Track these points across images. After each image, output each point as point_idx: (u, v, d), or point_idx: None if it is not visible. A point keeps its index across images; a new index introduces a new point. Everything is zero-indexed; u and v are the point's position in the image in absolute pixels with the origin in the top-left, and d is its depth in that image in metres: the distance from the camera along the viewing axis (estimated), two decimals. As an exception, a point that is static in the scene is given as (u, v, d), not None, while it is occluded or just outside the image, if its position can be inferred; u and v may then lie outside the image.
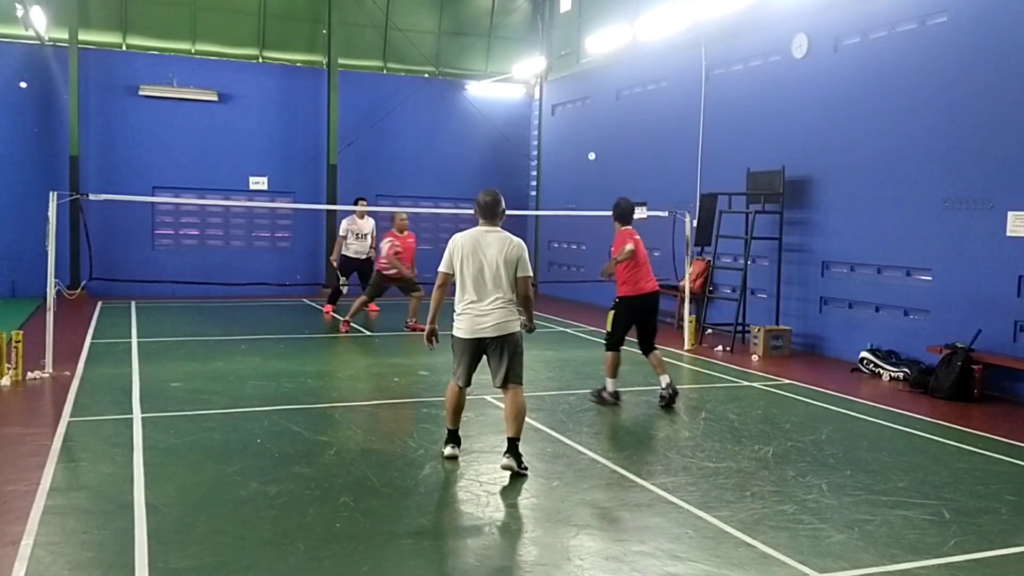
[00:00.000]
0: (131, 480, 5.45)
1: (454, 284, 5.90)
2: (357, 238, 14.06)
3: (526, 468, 5.79)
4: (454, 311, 5.91)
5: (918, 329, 10.17)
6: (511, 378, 5.81)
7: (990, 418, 8.11)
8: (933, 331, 9.86)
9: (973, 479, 5.99)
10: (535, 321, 6.36)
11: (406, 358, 10.42)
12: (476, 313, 5.76)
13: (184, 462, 5.92)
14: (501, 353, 5.78)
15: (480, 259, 5.77)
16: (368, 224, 14.25)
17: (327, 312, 14.32)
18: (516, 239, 5.88)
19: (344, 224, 14.19)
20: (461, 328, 5.83)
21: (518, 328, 5.87)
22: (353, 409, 7.90)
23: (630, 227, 8.16)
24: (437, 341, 5.99)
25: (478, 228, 5.91)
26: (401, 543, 4.52)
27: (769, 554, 4.50)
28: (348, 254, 14.05)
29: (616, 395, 8.09)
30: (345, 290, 14.53)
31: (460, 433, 6.19)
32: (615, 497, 5.40)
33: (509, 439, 5.81)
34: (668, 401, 7.98)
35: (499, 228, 5.93)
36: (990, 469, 6.30)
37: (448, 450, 6.10)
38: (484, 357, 5.90)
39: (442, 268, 5.92)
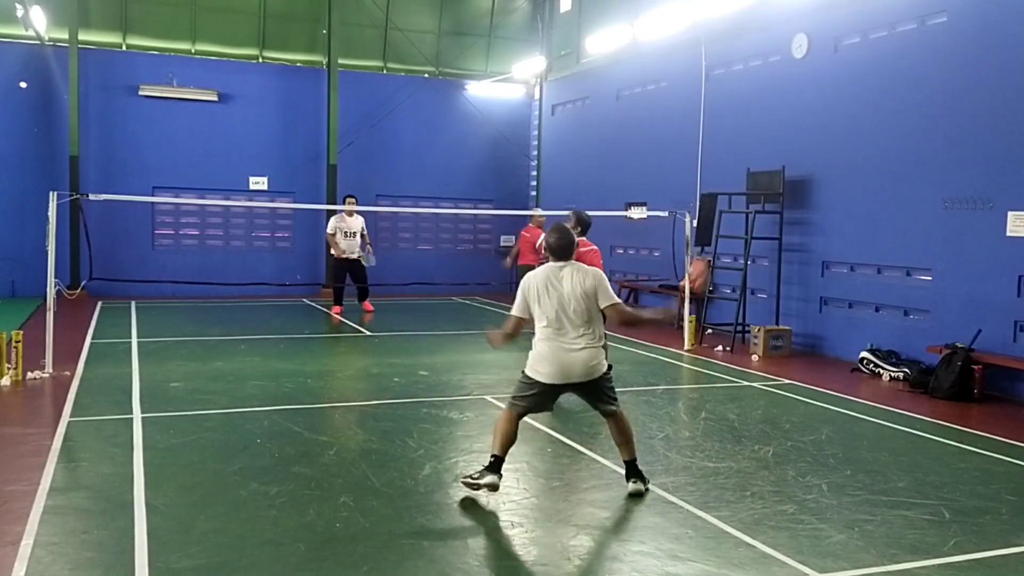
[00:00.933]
0: (131, 480, 5.45)
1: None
2: (346, 236, 13.99)
3: (648, 484, 5.48)
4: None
5: (918, 329, 10.17)
6: (607, 404, 5.46)
7: (990, 418, 8.11)
8: (933, 331, 9.86)
9: (973, 479, 5.99)
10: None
11: (406, 358, 10.42)
12: (563, 349, 5.23)
13: (184, 462, 5.92)
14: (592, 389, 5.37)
15: (557, 295, 5.26)
16: (357, 222, 14.18)
17: (336, 313, 14.31)
18: (589, 268, 5.42)
19: (332, 222, 14.12)
20: (541, 371, 5.28)
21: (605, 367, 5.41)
22: (353, 409, 7.90)
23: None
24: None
25: (550, 265, 5.42)
26: (401, 543, 4.52)
27: (769, 554, 4.50)
28: (335, 253, 14.07)
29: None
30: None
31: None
32: (615, 497, 5.40)
33: (627, 462, 5.50)
34: None
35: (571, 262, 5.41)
36: (990, 469, 6.30)
37: (487, 479, 5.30)
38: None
39: (515, 312, 5.40)
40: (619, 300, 5.35)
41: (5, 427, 6.84)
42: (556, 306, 5.23)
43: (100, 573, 4.07)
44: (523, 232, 13.46)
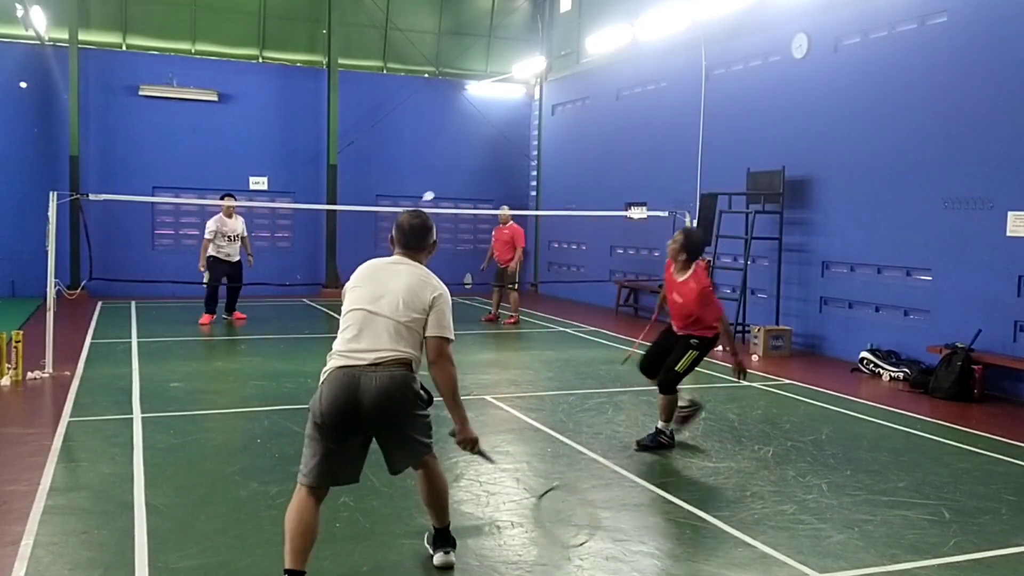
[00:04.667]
0: (131, 480, 5.45)
1: None
2: (228, 240, 12.78)
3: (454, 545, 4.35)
4: None
5: (918, 329, 10.17)
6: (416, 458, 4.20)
7: (990, 418, 8.11)
8: (933, 331, 9.86)
9: (973, 479, 5.99)
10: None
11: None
12: None
13: (184, 462, 5.92)
14: None
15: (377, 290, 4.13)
16: (239, 224, 13.02)
17: (205, 323, 12.73)
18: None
19: (210, 224, 12.75)
20: None
21: None
22: (353, 409, 7.90)
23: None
24: None
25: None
26: (401, 543, 4.52)
27: (769, 554, 4.50)
28: (219, 256, 12.70)
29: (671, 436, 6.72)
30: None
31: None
32: (615, 497, 5.40)
33: (437, 529, 4.33)
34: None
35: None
36: (990, 469, 6.30)
37: None
38: None
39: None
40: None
41: (5, 427, 6.84)
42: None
43: (100, 573, 4.07)
44: (494, 232, 14.17)
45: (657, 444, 6.53)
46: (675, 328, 6.69)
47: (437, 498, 4.20)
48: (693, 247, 6.56)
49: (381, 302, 3.97)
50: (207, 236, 12.76)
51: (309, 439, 3.89)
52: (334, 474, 3.89)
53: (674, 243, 6.61)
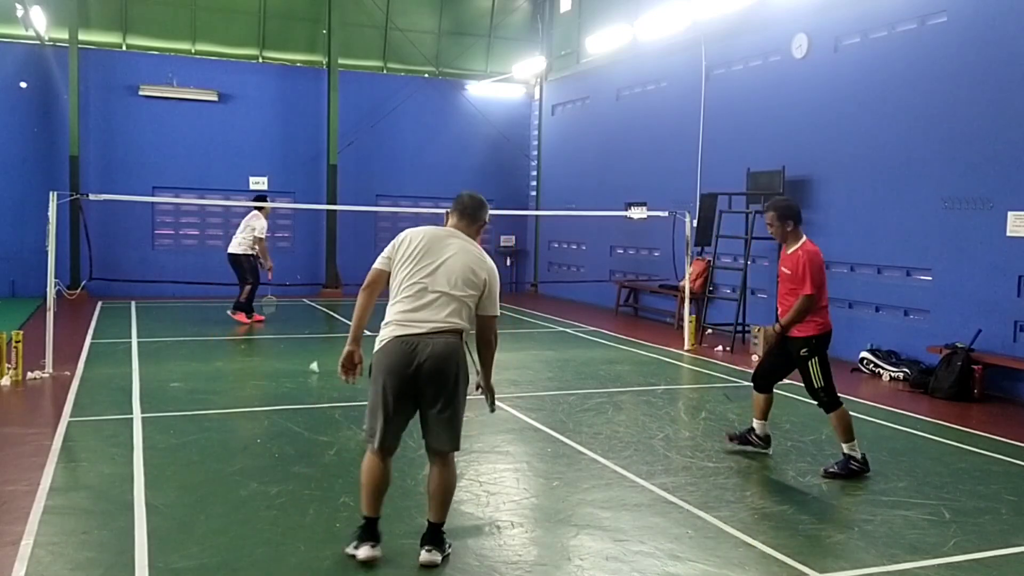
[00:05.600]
0: (131, 480, 5.45)
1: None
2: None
3: (451, 547, 4.43)
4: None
5: (918, 329, 10.17)
6: (446, 443, 4.37)
7: (990, 418, 8.11)
8: (933, 331, 9.86)
9: (973, 479, 5.99)
10: None
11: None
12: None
13: (184, 462, 5.92)
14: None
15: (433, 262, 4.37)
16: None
17: (260, 321, 13.22)
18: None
19: (264, 224, 13.17)
20: None
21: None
22: (353, 409, 7.89)
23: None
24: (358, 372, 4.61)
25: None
26: (401, 543, 4.51)
27: (769, 554, 4.50)
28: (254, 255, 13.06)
29: (767, 438, 6.49)
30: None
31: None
32: (615, 497, 5.40)
33: (430, 523, 4.38)
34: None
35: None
36: (990, 469, 6.30)
37: (363, 552, 4.29)
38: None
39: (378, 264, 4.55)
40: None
41: (5, 427, 6.84)
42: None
43: (100, 573, 4.07)
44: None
45: (848, 471, 5.88)
46: (779, 316, 6.15)
47: (444, 492, 4.32)
48: (792, 212, 6.04)
49: (438, 275, 4.23)
50: (263, 235, 13.06)
51: (372, 407, 4.22)
52: (395, 437, 4.27)
53: (769, 222, 6.13)
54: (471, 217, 4.47)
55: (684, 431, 7.24)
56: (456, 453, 4.36)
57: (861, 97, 11.00)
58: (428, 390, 4.16)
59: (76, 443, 6.38)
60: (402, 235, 4.41)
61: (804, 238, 6.10)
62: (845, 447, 5.94)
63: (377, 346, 4.21)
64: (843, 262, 11.34)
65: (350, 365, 4.37)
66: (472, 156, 19.67)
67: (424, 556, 4.26)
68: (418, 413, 4.28)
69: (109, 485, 5.37)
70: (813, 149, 11.71)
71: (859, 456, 5.94)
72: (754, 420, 6.44)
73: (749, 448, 6.44)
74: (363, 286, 4.42)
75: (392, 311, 4.25)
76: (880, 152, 10.71)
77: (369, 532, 4.30)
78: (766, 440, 6.44)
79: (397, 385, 4.14)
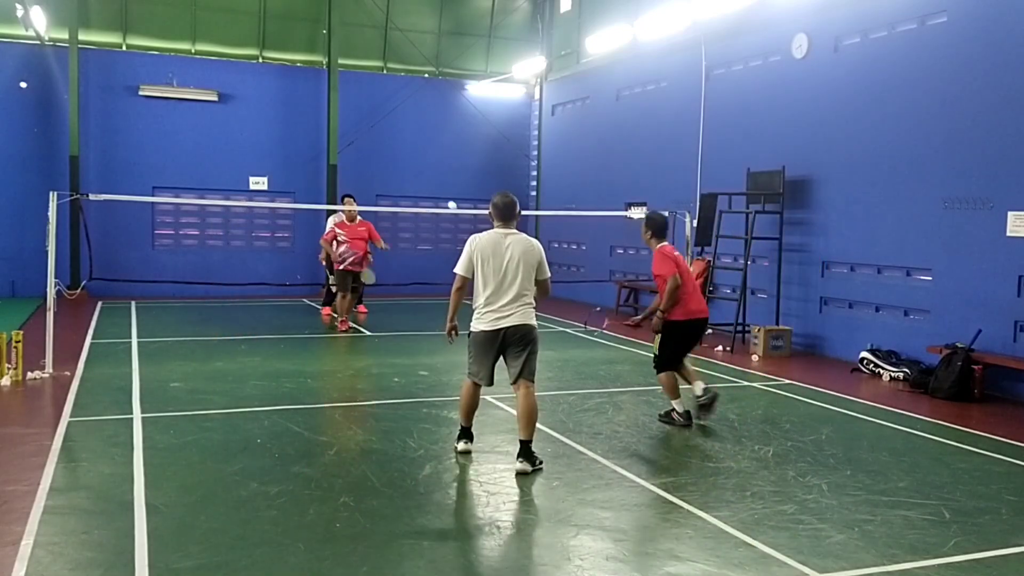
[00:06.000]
0: (131, 480, 5.45)
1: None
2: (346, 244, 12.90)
3: (541, 463, 5.93)
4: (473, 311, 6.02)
5: (918, 329, 10.17)
6: (525, 374, 5.92)
7: (990, 418, 8.11)
8: (933, 331, 9.86)
9: (973, 479, 5.99)
10: None
11: (406, 358, 10.42)
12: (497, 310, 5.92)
13: (184, 462, 5.92)
14: (520, 347, 5.92)
15: (501, 260, 5.90)
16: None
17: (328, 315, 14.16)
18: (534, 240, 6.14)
19: (332, 220, 13.45)
20: (481, 323, 5.94)
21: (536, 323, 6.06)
22: (353, 409, 7.91)
23: (667, 243, 7.55)
24: (456, 335, 6.18)
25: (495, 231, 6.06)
26: (401, 543, 4.52)
27: (769, 554, 4.50)
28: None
29: (687, 415, 7.36)
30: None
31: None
32: (615, 497, 5.40)
33: (521, 441, 5.88)
34: (708, 405, 7.39)
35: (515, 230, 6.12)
36: (990, 469, 6.30)
37: (461, 445, 6.26)
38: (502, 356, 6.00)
39: (460, 270, 6.00)
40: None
41: (5, 427, 6.84)
42: (497, 271, 5.94)
43: (100, 573, 4.07)
44: (346, 230, 12.90)
45: (669, 420, 7.36)
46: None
47: (529, 413, 5.83)
48: (652, 225, 7.59)
49: (507, 268, 5.89)
50: (326, 236, 13.17)
51: (473, 356, 6.01)
52: (489, 376, 5.99)
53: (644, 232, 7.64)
54: (508, 215, 6.06)
55: (684, 431, 7.24)
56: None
57: (861, 97, 11.00)
58: (513, 349, 5.89)
59: (76, 443, 6.38)
60: (472, 245, 5.97)
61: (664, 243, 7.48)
62: (673, 402, 7.36)
63: (473, 318, 5.97)
64: (843, 262, 11.34)
65: (451, 334, 6.15)
66: (472, 156, 19.67)
67: (518, 466, 5.77)
68: (503, 359, 5.93)
69: (109, 485, 5.37)
70: (813, 149, 11.71)
71: (681, 411, 7.30)
72: (672, 401, 7.37)
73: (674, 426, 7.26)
74: (453, 288, 5.98)
75: (479, 302, 5.92)
76: (880, 152, 10.71)
77: (465, 434, 6.26)
78: (686, 416, 7.34)
79: (490, 340, 5.89)
